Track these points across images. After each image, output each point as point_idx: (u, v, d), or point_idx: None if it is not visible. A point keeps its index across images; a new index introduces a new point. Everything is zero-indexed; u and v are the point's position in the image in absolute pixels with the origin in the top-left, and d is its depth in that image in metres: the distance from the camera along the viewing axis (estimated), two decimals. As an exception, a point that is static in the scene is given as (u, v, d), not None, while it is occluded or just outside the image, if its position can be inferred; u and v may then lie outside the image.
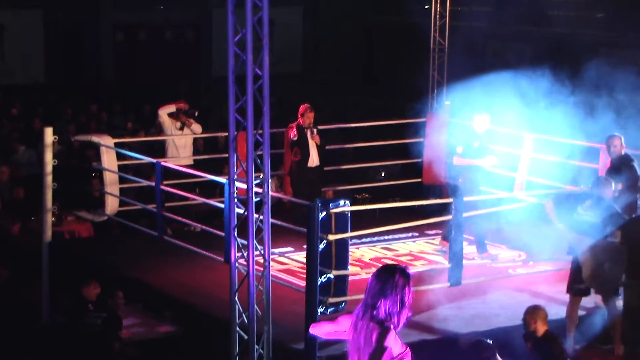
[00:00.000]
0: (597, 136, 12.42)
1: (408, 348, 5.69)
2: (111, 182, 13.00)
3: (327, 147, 13.74)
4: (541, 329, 9.10)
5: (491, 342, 8.66)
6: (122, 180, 13.28)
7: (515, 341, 9.64)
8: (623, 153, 11.56)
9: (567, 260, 10.55)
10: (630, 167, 11.44)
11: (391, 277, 5.66)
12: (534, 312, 9.18)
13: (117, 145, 13.27)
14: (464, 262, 10.91)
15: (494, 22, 24.30)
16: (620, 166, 11.37)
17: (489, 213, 11.50)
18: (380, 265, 6.39)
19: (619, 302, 10.14)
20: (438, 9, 15.37)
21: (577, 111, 13.05)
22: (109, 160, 13.00)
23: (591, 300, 10.44)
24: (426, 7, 17.13)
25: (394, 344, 5.61)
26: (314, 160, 13.46)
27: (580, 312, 10.36)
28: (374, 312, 5.64)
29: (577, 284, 10.14)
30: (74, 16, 26.56)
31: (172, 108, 14.22)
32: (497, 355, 8.62)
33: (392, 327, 5.63)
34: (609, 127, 12.43)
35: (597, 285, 10.12)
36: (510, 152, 14.13)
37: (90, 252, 12.85)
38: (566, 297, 10.50)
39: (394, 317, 5.63)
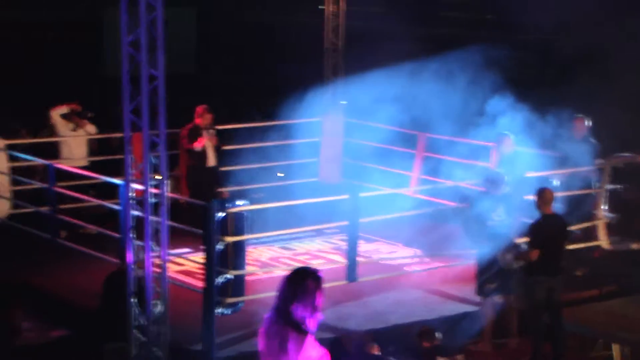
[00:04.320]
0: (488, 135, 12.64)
1: (326, 351, 5.68)
2: (1, 185, 12.75)
3: (223, 148, 13.72)
4: None
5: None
6: (14, 182, 13.02)
7: (410, 338, 9.79)
8: (513, 151, 11.83)
9: (461, 258, 10.72)
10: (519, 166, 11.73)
11: (303, 281, 5.60)
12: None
13: (8, 147, 13.01)
14: (360, 259, 11.03)
15: (387, 22, 24.58)
16: (511, 164, 11.63)
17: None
18: (286, 266, 6.38)
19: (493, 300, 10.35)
20: (331, 9, 15.47)
21: (465, 110, 13.31)
22: (-1, 163, 12.78)
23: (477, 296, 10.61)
24: (320, 7, 17.19)
25: (312, 348, 5.59)
26: (211, 160, 13.42)
27: (473, 308, 10.55)
28: (288, 317, 5.58)
29: (489, 284, 10.30)
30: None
31: (64, 109, 13.97)
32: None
33: (308, 331, 5.58)
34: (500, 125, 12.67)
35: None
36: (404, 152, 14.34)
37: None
38: (461, 294, 10.69)
39: (306, 321, 5.59)
